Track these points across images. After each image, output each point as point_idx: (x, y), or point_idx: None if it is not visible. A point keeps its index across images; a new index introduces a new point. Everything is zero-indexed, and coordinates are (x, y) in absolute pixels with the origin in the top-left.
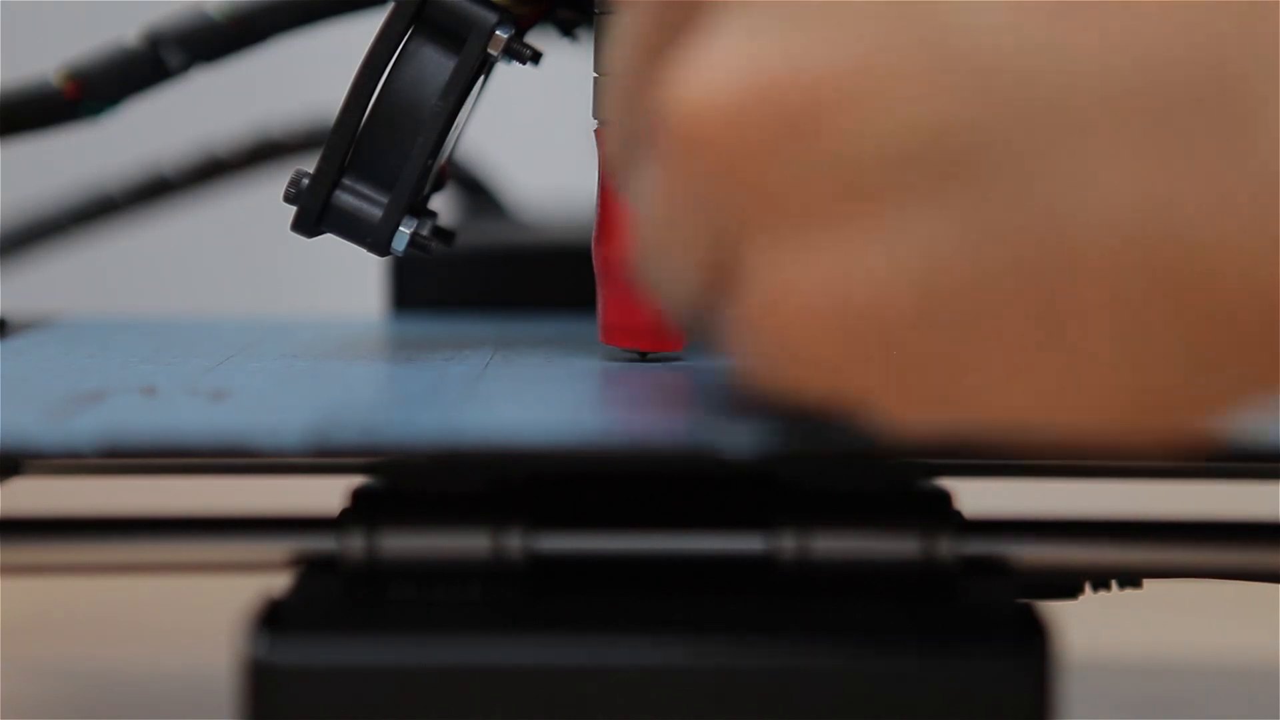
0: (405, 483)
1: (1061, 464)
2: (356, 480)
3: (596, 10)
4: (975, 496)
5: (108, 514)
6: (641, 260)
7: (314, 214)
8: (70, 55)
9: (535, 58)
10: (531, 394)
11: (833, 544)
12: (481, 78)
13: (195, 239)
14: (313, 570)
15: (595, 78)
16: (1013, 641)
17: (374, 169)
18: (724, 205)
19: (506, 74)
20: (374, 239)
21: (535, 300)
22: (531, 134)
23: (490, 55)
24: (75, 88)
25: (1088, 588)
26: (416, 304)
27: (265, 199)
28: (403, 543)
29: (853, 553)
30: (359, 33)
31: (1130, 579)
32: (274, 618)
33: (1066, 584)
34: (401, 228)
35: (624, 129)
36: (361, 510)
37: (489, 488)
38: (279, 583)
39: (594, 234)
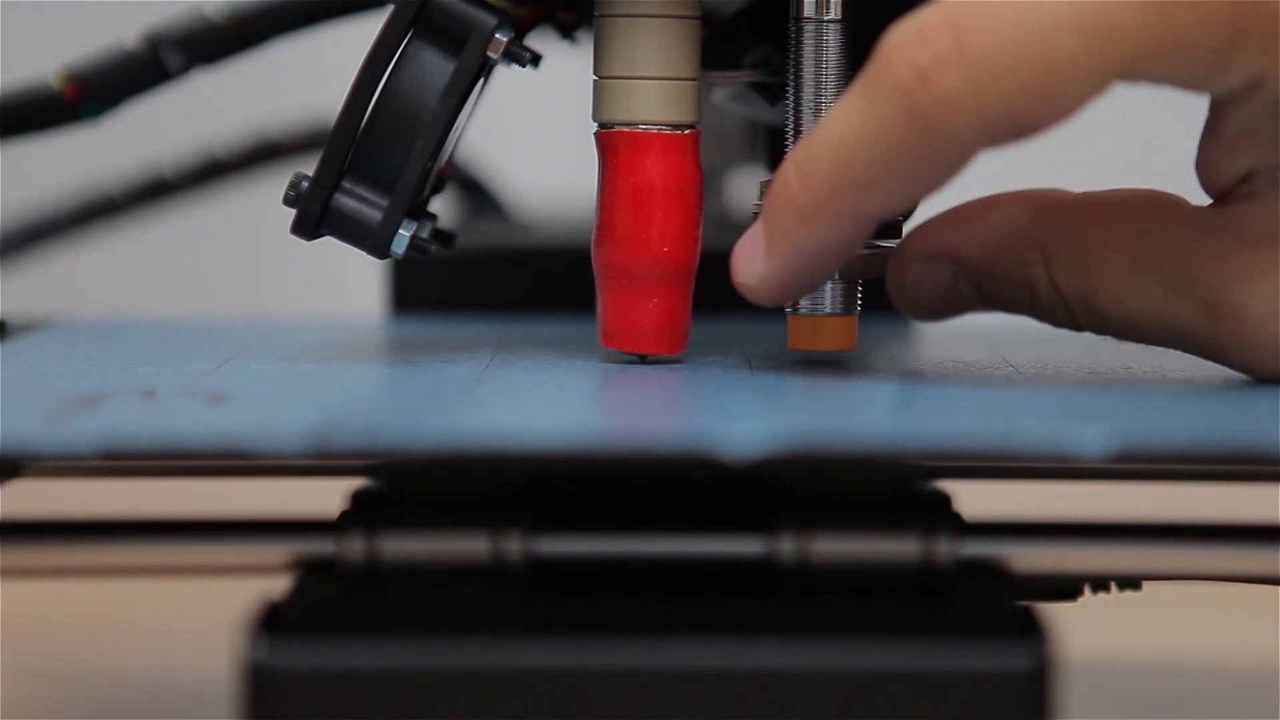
0: (404, 485)
1: (1059, 466)
2: (356, 483)
3: (595, 13)
4: (974, 499)
5: (107, 517)
6: None
7: (313, 217)
8: (70, 56)
9: (535, 60)
10: (531, 396)
11: (832, 546)
12: (481, 80)
13: (195, 240)
14: (312, 573)
15: (595, 80)
16: (1012, 644)
17: (374, 171)
18: None
19: (506, 76)
20: (373, 242)
21: (535, 302)
22: (531, 136)
23: (490, 58)
24: (75, 89)
25: (1087, 590)
26: (416, 306)
27: (265, 200)
28: (402, 545)
29: (852, 555)
30: (359, 34)
31: (1129, 581)
32: (273, 620)
33: (1065, 586)
34: (401, 230)
35: None
36: (361, 513)
37: (488, 490)
38: (278, 585)
39: (594, 235)
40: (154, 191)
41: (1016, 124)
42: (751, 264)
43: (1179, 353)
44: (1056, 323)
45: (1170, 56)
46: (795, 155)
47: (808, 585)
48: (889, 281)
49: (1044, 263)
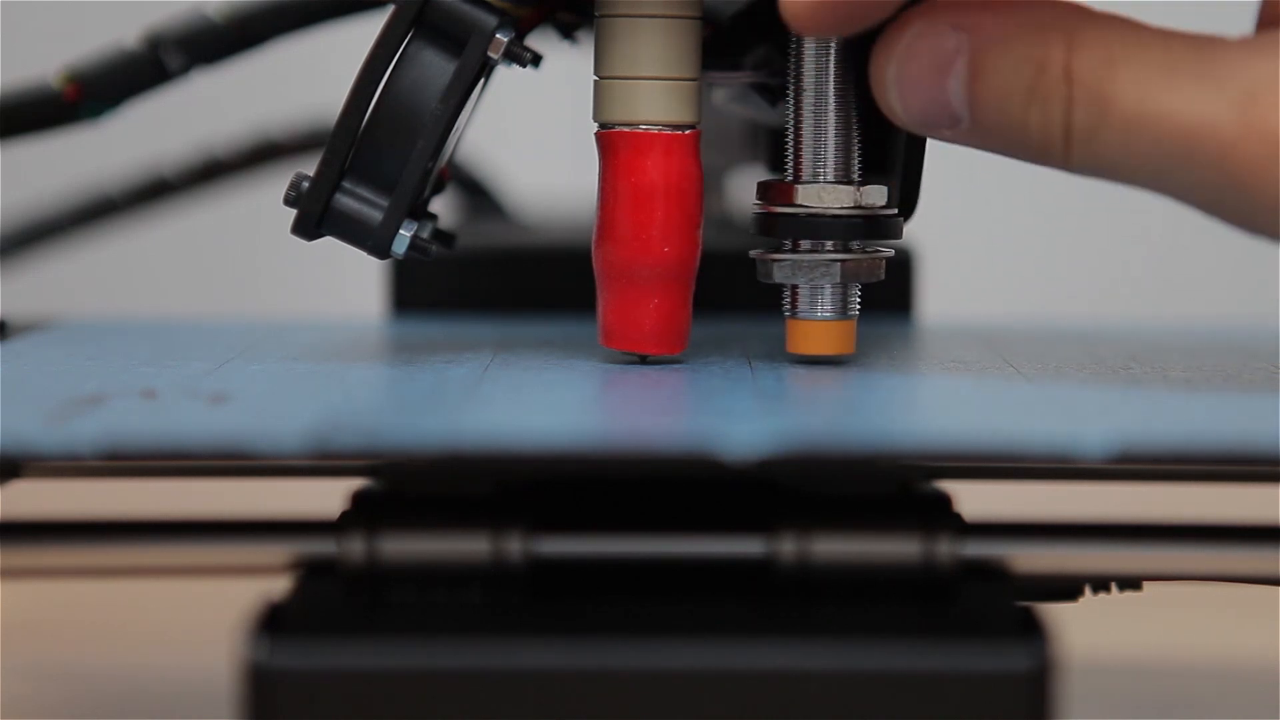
0: (405, 485)
1: (1060, 466)
2: (356, 483)
3: (596, 13)
4: (974, 499)
5: (108, 517)
6: None
7: (314, 217)
8: (70, 56)
9: (535, 61)
10: (531, 397)
11: (833, 547)
12: (482, 80)
13: (195, 240)
14: (313, 573)
15: (595, 80)
16: (1013, 644)
17: (374, 172)
18: None
19: (506, 76)
20: (374, 242)
21: (535, 302)
22: (531, 136)
23: (490, 58)
24: (75, 89)
25: (1087, 590)
26: (417, 306)
27: (265, 200)
28: (403, 546)
29: (853, 556)
30: (359, 34)
31: (1130, 581)
32: (274, 621)
33: (1066, 586)
34: (402, 231)
35: None
36: (361, 513)
37: (489, 491)
38: (278, 585)
39: (594, 236)
40: (154, 191)
41: None
42: None
43: (1178, 352)
44: (1042, 135)
45: None
46: None
47: (808, 586)
48: (874, 54)
49: (1067, 43)
